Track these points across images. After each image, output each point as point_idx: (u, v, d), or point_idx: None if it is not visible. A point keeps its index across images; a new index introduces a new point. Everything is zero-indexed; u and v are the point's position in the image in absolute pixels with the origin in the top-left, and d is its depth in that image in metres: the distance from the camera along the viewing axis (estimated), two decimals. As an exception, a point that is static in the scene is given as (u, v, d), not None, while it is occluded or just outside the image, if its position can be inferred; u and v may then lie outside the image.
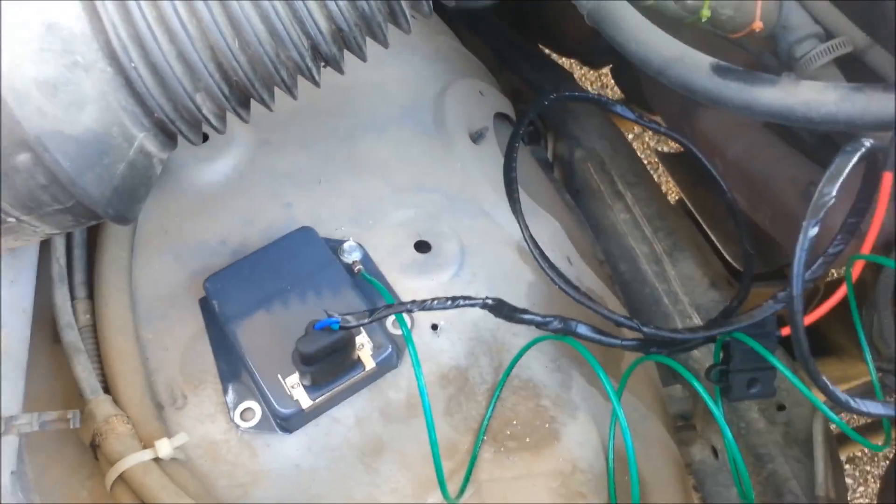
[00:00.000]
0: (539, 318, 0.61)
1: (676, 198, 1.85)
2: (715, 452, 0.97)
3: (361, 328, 0.64)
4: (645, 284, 1.08)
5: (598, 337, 0.63)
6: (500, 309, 0.60)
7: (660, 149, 2.12)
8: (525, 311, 0.61)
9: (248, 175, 0.78)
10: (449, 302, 0.57)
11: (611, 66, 1.51)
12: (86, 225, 0.58)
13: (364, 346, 0.64)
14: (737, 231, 1.19)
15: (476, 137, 0.85)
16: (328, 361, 0.60)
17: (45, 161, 0.50)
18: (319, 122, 0.82)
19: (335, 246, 0.71)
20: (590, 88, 2.33)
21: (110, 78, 0.51)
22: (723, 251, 1.16)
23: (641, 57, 0.74)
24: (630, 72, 1.41)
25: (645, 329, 0.63)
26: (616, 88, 1.81)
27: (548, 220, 0.84)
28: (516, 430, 0.68)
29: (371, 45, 0.61)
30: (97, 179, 0.52)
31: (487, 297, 0.59)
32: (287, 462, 0.64)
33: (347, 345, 0.61)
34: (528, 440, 0.68)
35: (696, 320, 1.03)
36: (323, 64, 0.60)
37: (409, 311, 0.56)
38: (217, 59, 0.53)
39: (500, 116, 0.96)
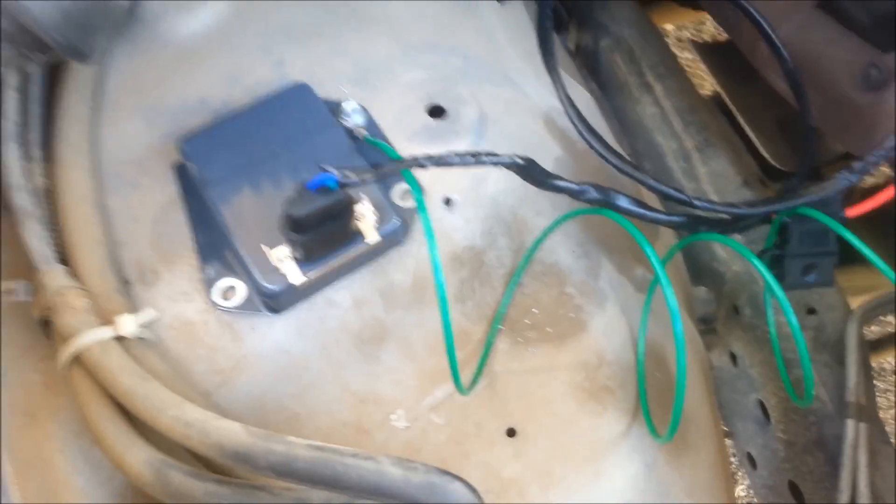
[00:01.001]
0: (574, 186, 0.52)
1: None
2: (733, 359, 0.90)
3: (363, 195, 0.54)
4: (672, 182, 0.99)
5: (641, 211, 0.54)
6: (531, 171, 0.51)
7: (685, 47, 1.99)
8: (558, 177, 0.52)
9: (234, 27, 0.67)
10: (470, 158, 0.47)
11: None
12: (35, 59, 0.48)
13: (366, 217, 0.54)
14: (776, 127, 1.10)
15: (503, -6, 0.74)
16: (323, 229, 0.51)
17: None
18: None
19: (334, 107, 0.61)
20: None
21: None
22: (759, 148, 1.06)
23: None
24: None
25: (697, 202, 0.54)
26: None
27: (581, 92, 0.74)
28: (537, 320, 0.60)
29: None
30: None
31: (516, 155, 0.50)
32: (274, 347, 0.56)
33: (346, 210, 0.52)
34: (549, 330, 0.60)
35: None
36: None
37: (422, 167, 0.47)
38: None
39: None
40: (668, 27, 1.88)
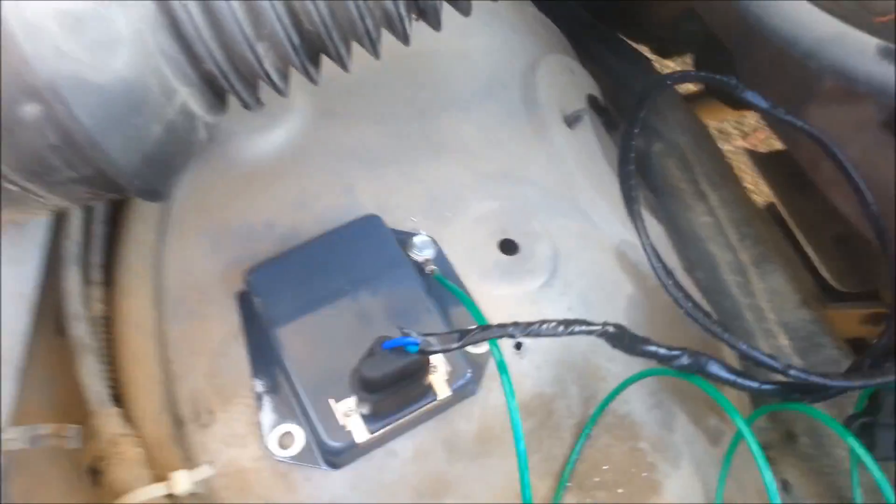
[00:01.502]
0: (666, 352, 0.49)
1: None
2: (785, 486, 0.85)
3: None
4: (726, 296, 0.95)
5: (733, 378, 0.50)
6: (621, 338, 0.48)
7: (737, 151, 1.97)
8: (648, 342, 0.49)
9: (305, 150, 0.65)
10: (561, 327, 0.45)
11: (692, 56, 1.36)
12: (105, 199, 0.46)
13: (438, 369, 0.51)
14: (834, 244, 1.07)
15: (571, 121, 0.72)
16: (394, 388, 0.48)
17: (59, 115, 0.38)
18: (391, 92, 0.69)
19: (404, 239, 0.59)
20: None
21: (151, 14, 0.39)
22: (818, 266, 1.03)
23: (788, 35, 0.62)
24: (716, 64, 1.27)
25: (792, 371, 0.51)
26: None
27: (652, 224, 0.71)
28: (607, 477, 0.56)
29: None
30: (125, 142, 0.40)
31: (607, 324, 0.47)
32: (329, 501, 0.52)
33: (421, 369, 0.49)
34: (620, 490, 0.56)
35: (784, 340, 0.91)
36: (415, 16, 0.47)
37: (511, 337, 0.44)
38: (291, 3, 0.41)
39: (589, 100, 0.84)
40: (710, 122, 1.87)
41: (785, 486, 0.85)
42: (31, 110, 0.38)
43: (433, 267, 0.58)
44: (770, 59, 0.90)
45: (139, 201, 0.59)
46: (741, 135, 1.86)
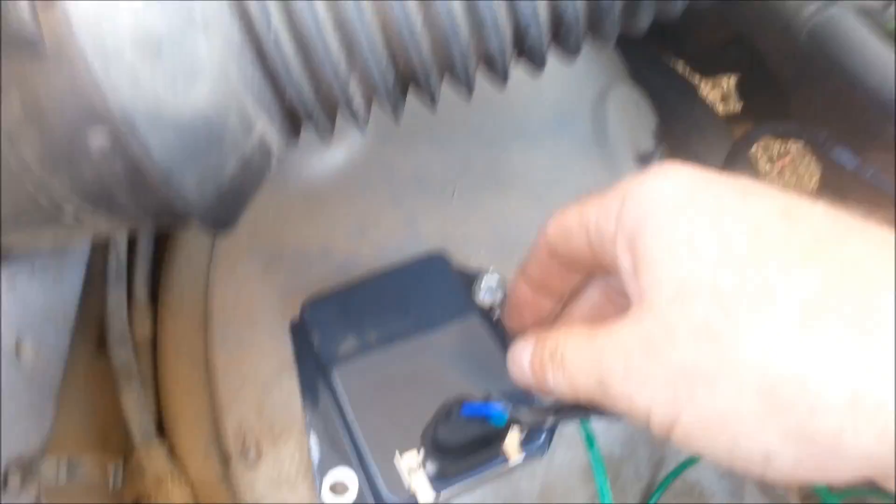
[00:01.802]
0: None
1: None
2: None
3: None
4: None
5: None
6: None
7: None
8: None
9: (365, 173, 0.61)
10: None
11: (735, 76, 1.30)
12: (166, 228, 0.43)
13: (511, 433, 0.48)
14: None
15: (644, 160, 0.68)
16: (467, 450, 0.45)
17: (130, 147, 0.34)
18: (458, 118, 0.64)
19: (472, 276, 0.55)
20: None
21: (236, 42, 0.35)
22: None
23: (874, 83, 0.58)
24: (760, 89, 1.22)
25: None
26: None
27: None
28: (673, 546, 0.53)
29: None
30: (199, 179, 0.37)
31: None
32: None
33: (499, 435, 0.45)
34: (686, 562, 0.53)
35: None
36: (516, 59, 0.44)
37: (610, 419, 0.40)
38: (389, 36, 0.37)
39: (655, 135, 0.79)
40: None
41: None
42: (98, 139, 0.34)
43: (500, 312, 0.54)
44: (829, 95, 0.85)
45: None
46: (768, 159, 1.80)
